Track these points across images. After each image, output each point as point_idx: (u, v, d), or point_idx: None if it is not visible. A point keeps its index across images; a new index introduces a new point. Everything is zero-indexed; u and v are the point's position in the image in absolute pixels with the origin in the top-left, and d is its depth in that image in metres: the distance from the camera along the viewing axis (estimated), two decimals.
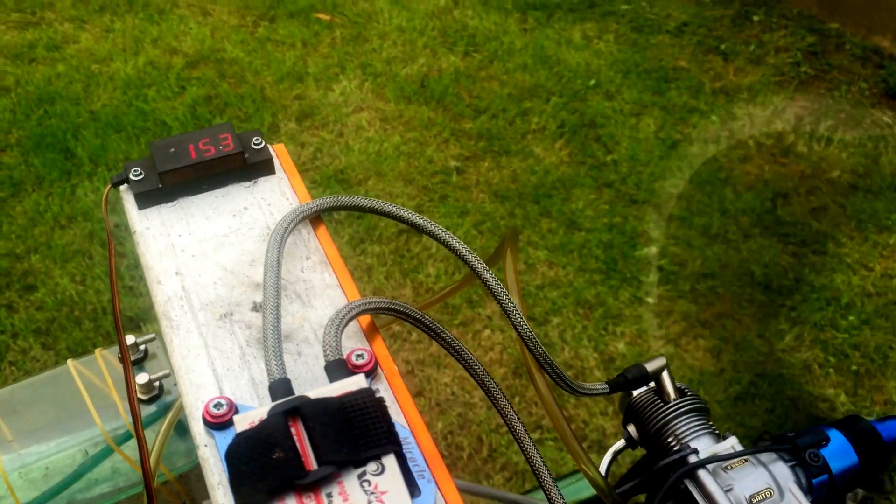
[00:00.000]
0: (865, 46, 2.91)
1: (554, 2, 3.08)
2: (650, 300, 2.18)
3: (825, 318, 2.15)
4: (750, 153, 2.56)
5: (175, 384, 0.78)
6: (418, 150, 2.53)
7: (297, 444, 0.44)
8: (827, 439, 0.62)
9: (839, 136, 2.62)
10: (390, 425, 0.46)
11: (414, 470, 0.48)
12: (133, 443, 0.74)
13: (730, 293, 2.20)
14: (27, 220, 2.28)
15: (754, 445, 0.63)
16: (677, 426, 0.63)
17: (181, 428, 0.76)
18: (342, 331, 0.54)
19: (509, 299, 0.59)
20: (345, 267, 0.62)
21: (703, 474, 0.58)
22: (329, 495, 0.43)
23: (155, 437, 0.68)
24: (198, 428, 0.51)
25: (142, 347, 0.82)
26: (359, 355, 0.53)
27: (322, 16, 2.99)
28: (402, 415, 0.52)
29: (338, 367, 0.51)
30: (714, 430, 0.64)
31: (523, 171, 2.48)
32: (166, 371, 0.78)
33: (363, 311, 0.57)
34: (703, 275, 2.24)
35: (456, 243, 0.61)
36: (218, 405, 0.50)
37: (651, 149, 2.56)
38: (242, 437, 0.45)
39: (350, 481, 0.44)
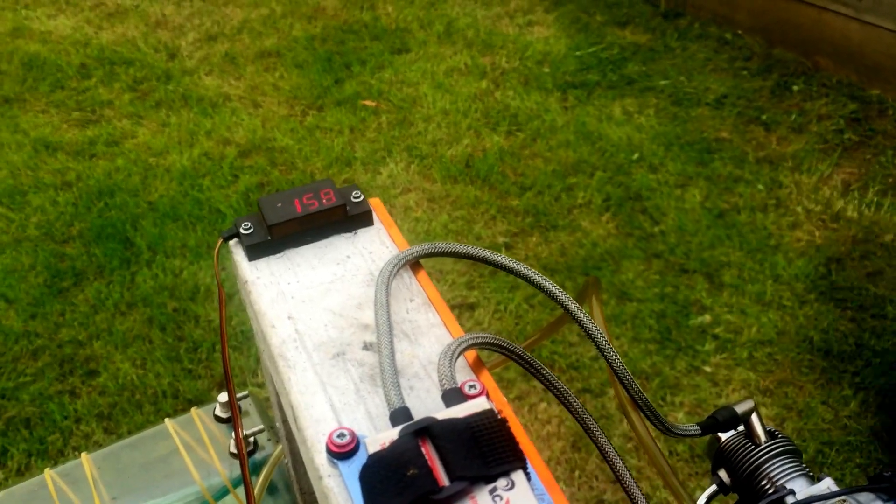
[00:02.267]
0: None
1: (593, 80, 3.15)
2: (707, 369, 2.15)
3: (889, 383, 2.10)
4: (799, 220, 2.56)
5: (269, 439, 0.79)
6: (466, 227, 2.56)
7: (430, 463, 0.46)
8: None
9: (889, 201, 2.60)
10: (515, 443, 0.47)
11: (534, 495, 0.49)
12: (226, 500, 0.75)
13: (789, 360, 2.17)
14: (89, 308, 2.35)
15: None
16: (771, 468, 0.62)
17: (272, 487, 0.77)
18: (455, 362, 0.57)
19: (603, 337, 0.61)
20: (447, 307, 0.65)
21: None
22: None
23: (253, 489, 0.69)
24: (320, 459, 0.53)
25: (237, 405, 0.84)
26: (471, 386, 0.55)
27: (368, 102, 3.09)
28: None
29: (454, 395, 0.54)
30: (808, 471, 0.63)
31: (571, 245, 2.49)
32: (260, 426, 0.80)
33: (472, 346, 0.59)
34: (759, 342, 2.21)
35: (549, 285, 0.64)
36: (341, 435, 0.53)
37: (698, 219, 2.56)
38: (376, 458, 0.47)
39: (482, 496, 0.45)
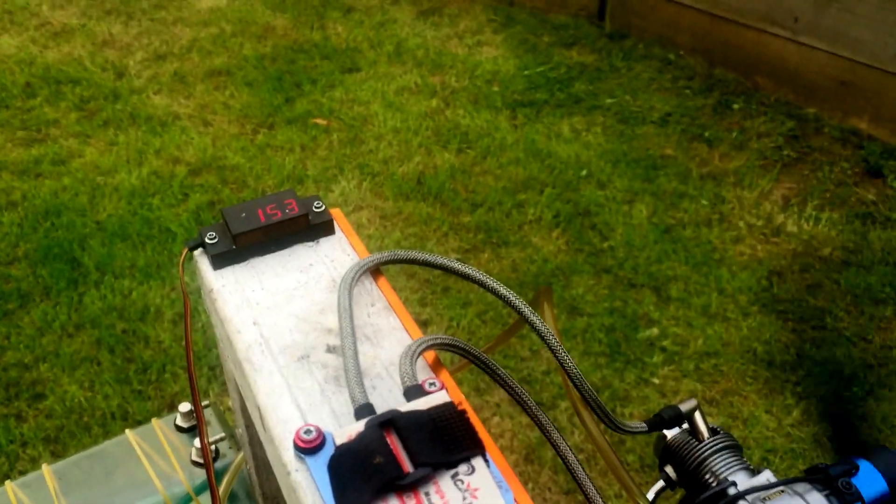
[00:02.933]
0: (843, 128, 3.02)
1: (541, 98, 3.21)
2: (656, 381, 2.20)
3: (829, 392, 2.17)
4: (742, 234, 2.63)
5: (230, 447, 0.80)
6: (418, 244, 2.58)
7: (394, 451, 0.48)
8: (856, 468, 0.64)
9: (827, 215, 2.69)
10: (475, 432, 0.50)
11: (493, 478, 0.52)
12: None
13: (734, 371, 2.22)
14: (35, 330, 2.31)
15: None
16: (714, 463, 0.65)
17: (232, 496, 0.77)
18: (415, 362, 0.59)
19: (555, 339, 0.64)
20: (407, 312, 0.68)
21: None
22: (427, 494, 0.47)
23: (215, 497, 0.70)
24: (287, 456, 0.56)
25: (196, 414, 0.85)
26: (431, 383, 0.58)
27: (319, 121, 3.10)
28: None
29: (415, 392, 0.56)
30: (748, 465, 0.66)
31: (522, 261, 2.53)
32: (222, 434, 0.81)
33: (431, 346, 0.62)
34: (705, 353, 2.27)
35: (503, 290, 0.66)
36: (308, 431, 0.55)
37: (645, 234, 2.62)
38: (343, 448, 0.50)
39: (445, 481, 0.48)
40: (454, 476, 0.49)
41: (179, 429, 0.84)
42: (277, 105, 3.17)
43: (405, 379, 0.58)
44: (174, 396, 2.15)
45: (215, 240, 0.71)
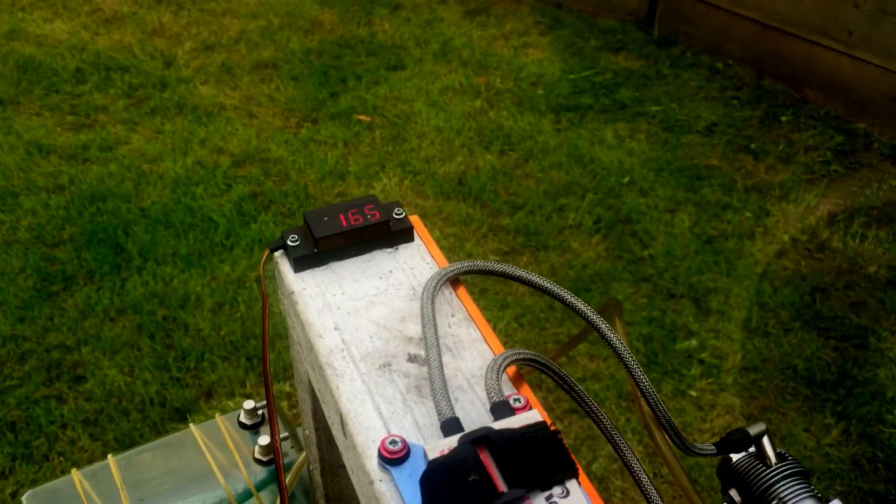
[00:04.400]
0: (893, 145, 2.97)
1: (586, 103, 3.19)
2: (693, 393, 2.18)
3: (871, 413, 2.13)
4: (786, 248, 2.59)
5: (292, 447, 0.80)
6: (457, 244, 2.58)
7: (488, 470, 0.48)
8: None
9: (873, 233, 2.65)
10: (568, 454, 0.50)
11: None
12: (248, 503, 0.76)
13: (773, 387, 2.20)
14: (78, 313, 2.34)
15: None
16: (781, 489, 0.65)
17: (290, 495, 0.78)
18: (501, 376, 0.59)
19: (630, 355, 0.63)
20: (487, 324, 0.68)
21: None
22: None
23: (274, 498, 0.71)
24: (371, 465, 0.56)
25: (259, 412, 0.86)
26: (516, 399, 0.58)
27: (363, 117, 3.11)
28: None
29: (502, 408, 0.56)
30: (816, 493, 0.65)
31: (561, 266, 2.52)
32: (285, 434, 0.81)
33: (515, 361, 0.63)
34: (744, 368, 2.24)
35: (582, 305, 0.67)
36: (394, 442, 0.55)
37: (687, 244, 2.59)
38: (437, 464, 0.50)
39: (539, 503, 0.48)
40: (548, 498, 0.48)
41: (242, 426, 0.84)
42: (322, 100, 3.19)
43: (492, 394, 0.57)
44: (211, 385, 2.17)
45: (297, 242, 0.71)
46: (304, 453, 0.75)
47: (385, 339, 0.66)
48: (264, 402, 0.82)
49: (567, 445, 0.52)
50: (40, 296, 2.38)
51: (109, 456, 0.82)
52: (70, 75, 3.30)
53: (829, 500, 0.64)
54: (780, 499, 0.64)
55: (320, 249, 0.71)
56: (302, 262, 0.72)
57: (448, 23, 3.68)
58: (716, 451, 0.68)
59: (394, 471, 0.54)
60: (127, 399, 2.12)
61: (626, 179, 2.83)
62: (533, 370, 0.69)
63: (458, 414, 0.58)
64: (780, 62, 3.19)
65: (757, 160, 2.94)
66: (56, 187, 2.76)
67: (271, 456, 0.78)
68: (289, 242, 0.71)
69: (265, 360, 0.69)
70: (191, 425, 0.81)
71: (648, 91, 3.26)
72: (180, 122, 3.08)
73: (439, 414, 0.57)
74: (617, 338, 0.65)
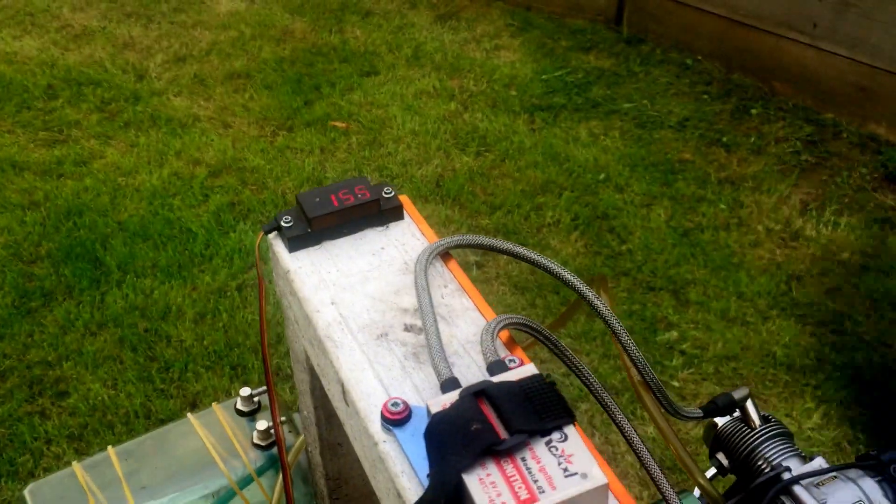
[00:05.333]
0: (862, 134, 3.02)
1: (559, 103, 3.22)
2: (675, 384, 2.20)
3: (850, 396, 2.17)
4: (760, 238, 2.63)
5: (290, 431, 0.81)
6: None
7: (489, 419, 0.51)
8: None
9: (845, 220, 2.69)
10: (565, 401, 0.52)
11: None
12: (247, 491, 0.77)
13: (753, 374, 2.23)
14: (58, 329, 2.33)
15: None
16: (766, 450, 0.66)
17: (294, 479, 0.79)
18: (496, 338, 0.62)
19: (617, 322, 0.65)
20: (479, 293, 0.70)
21: (798, 490, 0.62)
22: (524, 459, 0.49)
23: (275, 482, 0.72)
24: (374, 428, 0.59)
25: (255, 399, 0.87)
26: (511, 360, 0.60)
27: (338, 124, 3.12)
28: None
29: (498, 367, 0.58)
30: (800, 452, 0.67)
31: None
32: (283, 418, 0.82)
33: (509, 325, 0.65)
34: (725, 357, 2.27)
35: (568, 275, 0.69)
36: (395, 404, 0.58)
37: (664, 237, 2.63)
38: (440, 416, 0.52)
39: (539, 448, 0.50)
40: (548, 443, 0.50)
41: (240, 413, 0.85)
42: (296, 108, 3.20)
43: (488, 354, 0.60)
44: (196, 395, 2.17)
45: (291, 223, 0.74)
46: (302, 436, 0.76)
47: (381, 311, 0.68)
48: (261, 389, 0.83)
49: (562, 395, 0.53)
50: (19, 312, 2.36)
51: (109, 447, 0.82)
52: (41, 91, 3.29)
53: (813, 458, 0.66)
54: (766, 459, 0.66)
55: (313, 229, 0.73)
56: (296, 242, 0.74)
57: (419, 28, 3.70)
58: (702, 415, 0.70)
59: (397, 431, 0.56)
60: (111, 412, 2.11)
61: (602, 176, 2.86)
62: (529, 344, 0.71)
63: (457, 376, 0.60)
64: (748, 56, 3.24)
65: (729, 153, 2.98)
66: (31, 203, 2.75)
67: (270, 440, 0.79)
68: (283, 223, 0.74)
69: (263, 340, 0.70)
70: (188, 415, 0.82)
71: (620, 89, 3.30)
72: (155, 135, 3.07)
73: (438, 375, 0.59)
74: (604, 305, 0.67)
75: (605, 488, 0.49)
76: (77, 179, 2.86)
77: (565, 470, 0.49)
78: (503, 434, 0.50)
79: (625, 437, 0.66)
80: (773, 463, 0.65)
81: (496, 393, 0.52)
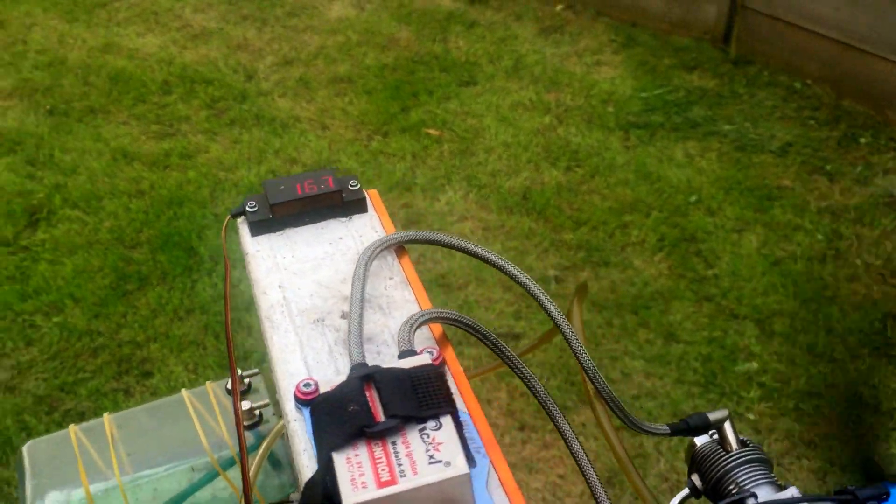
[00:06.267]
0: None
1: (657, 121, 3.16)
2: (751, 416, 2.13)
3: None
4: (858, 273, 2.51)
5: (273, 414, 0.84)
6: (518, 258, 2.59)
7: (370, 403, 0.52)
8: (887, 494, 0.62)
9: None
10: (449, 393, 0.53)
11: (471, 445, 0.55)
12: (232, 471, 0.80)
13: (836, 413, 2.13)
14: (150, 311, 2.45)
15: None
16: (738, 474, 0.64)
17: (275, 461, 0.82)
18: (415, 331, 0.63)
19: (570, 329, 0.65)
20: (422, 288, 0.71)
21: None
22: (394, 443, 0.51)
23: (253, 459, 0.74)
24: (289, 406, 0.60)
25: (247, 381, 0.90)
26: (429, 352, 0.61)
27: (432, 131, 3.16)
28: (464, 405, 0.60)
29: (408, 355, 0.59)
30: (776, 481, 0.65)
31: (622, 282, 2.50)
32: (265, 401, 0.85)
33: (434, 319, 0.65)
34: (807, 393, 2.18)
35: (524, 277, 0.68)
36: (307, 384, 0.59)
37: (753, 265, 2.54)
38: (324, 396, 0.54)
39: (412, 434, 0.51)
40: (422, 430, 0.52)
41: (230, 392, 0.89)
42: (393, 113, 3.26)
43: (401, 344, 0.61)
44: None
45: (255, 209, 0.76)
46: (282, 420, 0.79)
47: (324, 297, 0.70)
48: (252, 371, 0.86)
49: (448, 386, 0.54)
50: (116, 294, 2.50)
51: (105, 414, 0.87)
52: (158, 87, 3.46)
53: (787, 487, 0.63)
54: (738, 483, 0.64)
55: (275, 215, 0.76)
56: (258, 227, 0.76)
57: (522, 40, 3.71)
58: (669, 432, 0.68)
59: (305, 411, 0.57)
60: None
61: (694, 198, 2.80)
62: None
63: (380, 364, 0.61)
64: (861, 82, 3.10)
65: (832, 182, 2.86)
66: (137, 192, 2.90)
67: (252, 421, 0.82)
68: (247, 208, 0.76)
69: (227, 319, 0.73)
70: (182, 391, 0.86)
71: (722, 110, 3.22)
72: (257, 133, 3.19)
73: (350, 359, 0.60)
74: (555, 308, 0.66)
75: (465, 478, 0.50)
76: (181, 171, 3.00)
77: (431, 457, 0.50)
78: (380, 417, 0.52)
79: (565, 440, 0.65)
80: (743, 489, 0.63)
81: (382, 378, 0.54)
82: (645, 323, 2.37)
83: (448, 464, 0.50)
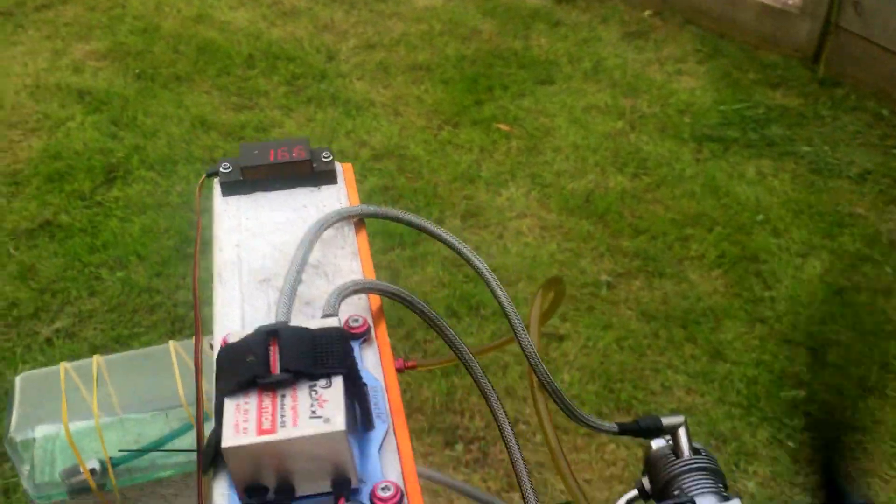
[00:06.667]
0: None
1: (732, 136, 3.10)
2: (791, 444, 2.08)
3: None
4: None
5: None
6: (572, 260, 2.58)
7: (270, 357, 0.54)
8: None
9: None
10: (348, 354, 0.55)
11: (374, 410, 0.58)
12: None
13: (880, 451, 2.06)
14: (208, 276, 2.52)
15: None
16: (685, 481, 0.64)
17: None
18: (344, 297, 0.64)
19: (514, 311, 0.65)
20: (371, 261, 0.73)
21: None
22: (283, 396, 0.53)
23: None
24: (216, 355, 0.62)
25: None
26: (355, 320, 0.64)
27: (503, 126, 3.16)
28: (381, 374, 0.62)
29: (326, 319, 0.60)
30: (722, 492, 0.64)
31: (675, 295, 2.46)
32: None
33: (368, 289, 0.67)
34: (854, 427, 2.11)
35: (476, 261, 0.70)
36: (232, 337, 0.60)
37: (814, 291, 2.47)
38: (231, 345, 0.56)
39: (302, 389, 0.53)
40: (312, 387, 0.53)
41: (212, 347, 0.92)
42: (467, 105, 3.27)
43: (326, 308, 0.63)
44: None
45: (228, 170, 0.79)
46: None
47: (275, 259, 0.72)
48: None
49: (349, 349, 0.56)
50: (178, 255, 2.58)
51: (95, 356, 0.91)
52: (242, 60, 3.56)
53: (731, 499, 0.63)
54: (683, 490, 0.64)
55: (245, 178, 0.78)
56: (228, 188, 0.79)
57: (605, 43, 3.67)
58: (617, 431, 0.68)
59: None
60: None
61: (761, 217, 2.73)
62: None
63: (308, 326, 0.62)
64: None
65: None
66: (210, 160, 2.99)
67: None
68: (221, 169, 0.79)
69: (195, 274, 0.75)
70: (170, 342, 0.89)
71: (802, 130, 3.13)
72: (331, 113, 3.25)
73: (276, 317, 0.62)
74: (507, 298, 0.68)
75: (341, 435, 0.51)
76: None
77: (313, 412, 0.52)
78: (276, 371, 0.53)
79: (496, 419, 0.65)
80: (688, 494, 0.62)
81: (285, 334, 0.55)
82: (692, 338, 2.33)
83: (327, 420, 0.51)
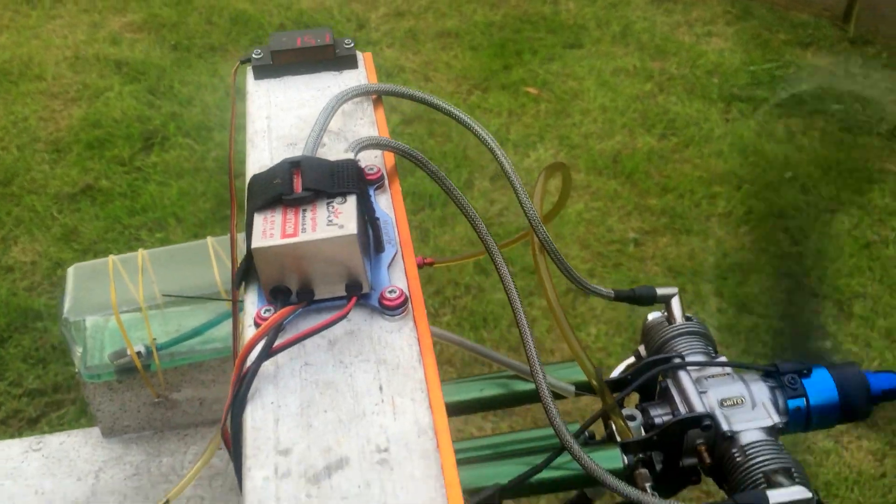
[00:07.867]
0: None
1: (761, 96, 3.09)
2: None
3: None
4: None
5: None
6: (599, 218, 2.62)
7: (294, 180, 0.62)
8: (809, 370, 0.64)
9: None
10: (362, 179, 0.63)
11: (385, 237, 0.66)
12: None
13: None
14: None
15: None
16: (677, 344, 0.68)
17: None
18: (360, 149, 0.71)
19: (516, 175, 0.70)
20: (387, 131, 0.80)
21: (682, 374, 0.64)
22: (304, 210, 0.61)
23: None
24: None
25: None
26: (370, 168, 0.72)
27: (531, 90, 3.19)
28: (392, 212, 0.71)
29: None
30: (711, 352, 0.68)
31: (701, 251, 2.49)
32: None
33: (383, 146, 0.75)
34: None
35: (489, 139, 0.76)
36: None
37: (841, 245, 2.48)
38: (260, 174, 0.65)
39: (321, 205, 0.61)
40: (329, 203, 0.61)
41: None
42: (495, 70, 3.30)
43: (346, 152, 0.69)
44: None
45: (260, 55, 0.87)
46: None
47: (301, 128, 0.81)
48: None
49: (362, 176, 0.64)
50: (214, 218, 2.66)
51: (140, 249, 0.99)
52: (273, 29, 3.61)
53: (718, 357, 0.66)
54: (675, 350, 0.68)
55: (275, 62, 0.86)
56: (260, 72, 0.87)
57: (634, 6, 3.67)
58: (613, 297, 0.72)
59: None
60: None
61: (789, 174, 2.74)
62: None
63: None
64: None
65: None
66: (243, 126, 3.05)
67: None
68: (253, 55, 0.88)
69: (230, 155, 0.81)
70: (208, 237, 0.96)
71: (832, 89, 3.11)
72: None
73: (304, 152, 0.70)
74: (507, 161, 0.73)
75: (353, 238, 0.58)
76: None
77: (330, 221, 0.59)
78: (299, 191, 0.61)
79: (503, 282, 0.68)
80: (679, 353, 0.66)
81: (307, 163, 0.63)
82: (719, 292, 2.36)
83: (341, 227, 0.59)
